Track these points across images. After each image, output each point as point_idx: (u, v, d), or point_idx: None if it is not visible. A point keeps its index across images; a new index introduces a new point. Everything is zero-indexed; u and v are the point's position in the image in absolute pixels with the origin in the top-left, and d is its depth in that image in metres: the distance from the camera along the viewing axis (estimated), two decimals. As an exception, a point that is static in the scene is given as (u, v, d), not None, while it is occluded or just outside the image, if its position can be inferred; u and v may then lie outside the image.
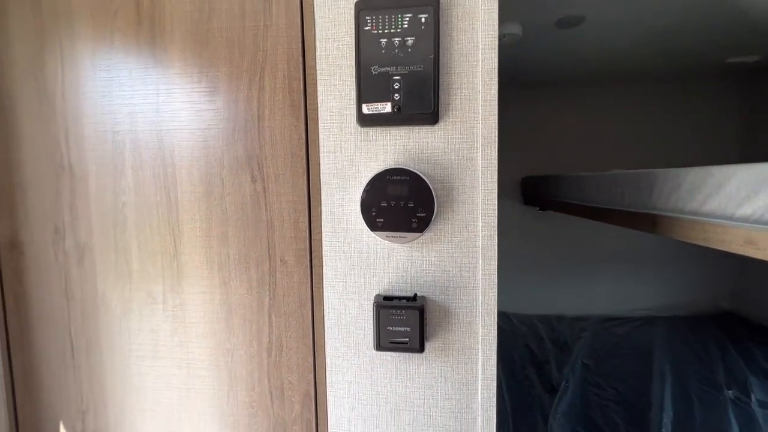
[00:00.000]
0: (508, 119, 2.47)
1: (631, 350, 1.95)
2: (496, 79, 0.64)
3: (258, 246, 0.72)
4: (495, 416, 0.69)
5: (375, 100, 0.64)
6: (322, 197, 0.69)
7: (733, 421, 1.38)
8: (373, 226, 0.66)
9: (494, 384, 0.69)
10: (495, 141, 0.65)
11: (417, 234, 0.65)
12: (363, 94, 0.64)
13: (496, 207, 0.66)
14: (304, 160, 0.69)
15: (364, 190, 0.66)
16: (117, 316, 0.77)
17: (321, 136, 0.68)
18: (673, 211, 0.94)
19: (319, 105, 0.68)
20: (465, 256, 0.67)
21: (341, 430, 0.73)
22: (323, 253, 0.70)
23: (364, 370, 0.71)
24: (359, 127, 0.67)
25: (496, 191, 0.66)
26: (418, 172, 0.64)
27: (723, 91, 2.20)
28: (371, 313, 0.70)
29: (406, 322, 0.65)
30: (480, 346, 0.68)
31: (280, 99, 0.69)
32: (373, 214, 0.65)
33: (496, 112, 0.64)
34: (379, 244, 0.69)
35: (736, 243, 0.79)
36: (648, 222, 1.10)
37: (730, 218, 0.77)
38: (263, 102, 0.69)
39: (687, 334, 2.08)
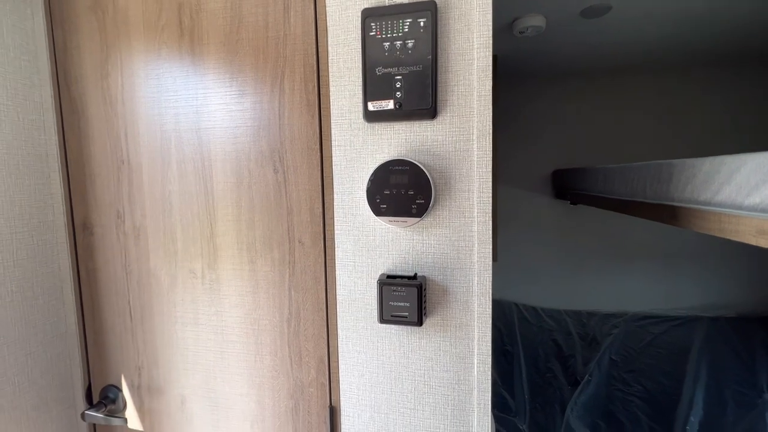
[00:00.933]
0: (536, 113, 2.43)
1: (666, 349, 1.88)
2: (491, 75, 0.68)
3: (280, 229, 0.82)
4: (490, 389, 0.75)
5: (379, 98, 0.71)
6: (334, 186, 0.78)
7: (770, 424, 1.31)
8: (377, 211, 0.73)
9: (489, 359, 0.74)
10: (489, 133, 0.70)
11: (416, 219, 0.72)
12: (369, 93, 0.72)
13: (490, 195, 0.71)
14: (318, 153, 0.78)
15: (369, 180, 0.73)
16: (165, 288, 0.91)
17: (333, 132, 0.77)
18: (689, 201, 0.93)
19: (331, 104, 0.76)
20: (462, 240, 0.73)
21: (351, 393, 0.81)
22: (335, 236, 0.79)
23: (370, 341, 0.79)
24: (366, 123, 0.75)
25: (490, 180, 0.71)
26: (417, 163, 0.71)
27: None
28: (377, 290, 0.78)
29: (406, 298, 0.72)
30: (476, 323, 0.74)
31: (298, 99, 0.78)
32: (377, 200, 0.73)
33: (490, 107, 0.69)
34: (383, 228, 0.76)
35: (748, 233, 0.78)
36: (668, 213, 1.08)
37: (740, 207, 0.76)
38: (283, 102, 0.79)
39: (731, 335, 1.96)
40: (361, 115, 0.75)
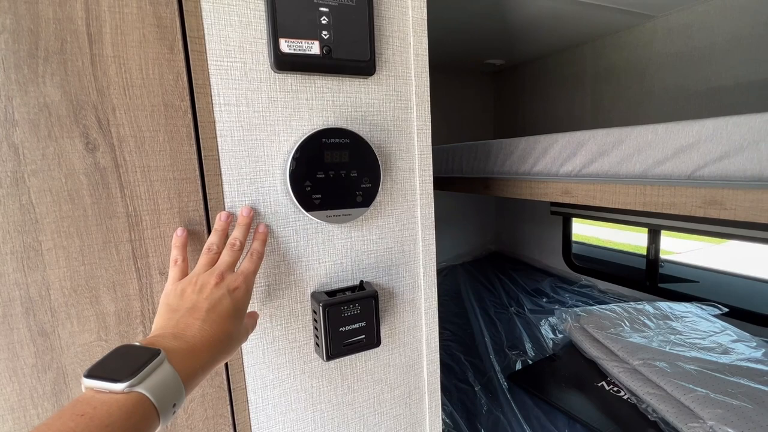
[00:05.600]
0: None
1: (448, 295, 2.36)
2: (426, 31, 0.58)
3: (113, 257, 0.43)
4: (439, 387, 0.68)
5: (298, 36, 0.48)
6: (223, 171, 0.48)
7: (520, 327, 1.88)
8: (308, 204, 0.50)
9: (437, 356, 0.67)
10: (428, 100, 0.60)
11: (363, 209, 0.54)
12: (281, 25, 0.47)
13: (431, 172, 0.62)
14: (189, 115, 0.45)
15: (292, 158, 0.49)
16: None
17: (213, 81, 0.46)
18: (509, 173, 1.16)
19: (206, 32, 0.45)
20: (405, 229, 0.61)
21: (278, 476, 0.55)
22: (231, 251, 0.49)
23: (303, 390, 0.56)
24: (273, 73, 0.49)
25: (431, 155, 0.62)
26: (360, 134, 0.53)
27: (484, 85, 2.86)
28: (307, 316, 0.55)
29: (360, 317, 0.54)
30: (424, 321, 0.65)
31: (134, 12, 0.41)
32: (308, 189, 0.50)
33: (427, 69, 0.59)
34: (311, 228, 0.53)
35: (556, 194, 1.04)
36: (482, 185, 1.31)
37: (556, 175, 1.00)
38: (97, 11, 0.40)
39: (476, 273, 2.69)
40: (264, 58, 0.48)
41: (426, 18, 0.58)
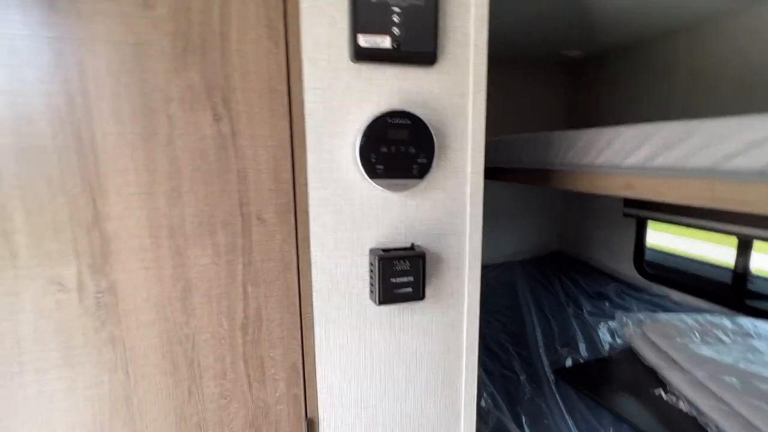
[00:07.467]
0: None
1: (503, 289, 2.37)
2: (487, 26, 0.64)
3: (226, 203, 0.57)
4: (477, 351, 0.75)
5: (373, 31, 0.57)
6: (308, 142, 0.60)
7: (576, 327, 1.84)
8: (372, 173, 0.60)
9: (477, 322, 0.74)
10: (484, 89, 0.66)
11: (417, 181, 0.63)
12: (359, 23, 0.57)
13: (483, 155, 0.69)
14: (286, 97, 0.58)
15: (363, 134, 0.59)
16: (-11, 319, 0.52)
17: (305, 69, 0.58)
18: (570, 165, 1.16)
19: (302, 31, 0.57)
20: (455, 203, 0.69)
21: (332, 398, 0.68)
22: (309, 207, 0.61)
23: (357, 330, 0.67)
24: (351, 63, 0.59)
25: (483, 140, 0.68)
26: (421, 116, 0.61)
27: (557, 76, 2.75)
28: (364, 269, 0.66)
29: (409, 272, 0.63)
30: (467, 289, 0.72)
31: (253, 16, 0.54)
32: (373, 160, 0.60)
33: (485, 61, 0.65)
34: (372, 194, 0.64)
35: (617, 187, 1.03)
36: (541, 177, 1.32)
37: (619, 167, 0.99)
38: (228, 15, 0.54)
39: (534, 271, 2.63)
40: (345, 51, 0.59)
41: (487, 14, 0.64)
